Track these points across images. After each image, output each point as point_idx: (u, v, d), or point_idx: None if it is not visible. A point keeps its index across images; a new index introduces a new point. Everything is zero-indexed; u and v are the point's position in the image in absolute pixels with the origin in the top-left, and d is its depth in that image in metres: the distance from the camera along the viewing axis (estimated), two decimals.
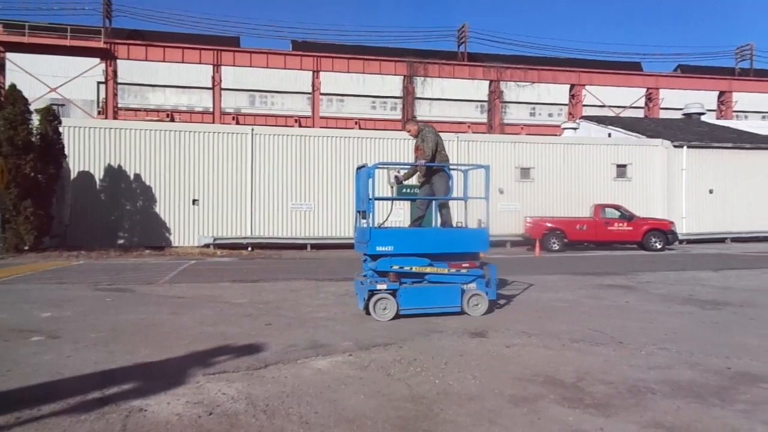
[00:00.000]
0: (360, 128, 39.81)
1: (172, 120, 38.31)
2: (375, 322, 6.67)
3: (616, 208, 21.68)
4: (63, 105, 35.75)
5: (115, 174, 20.16)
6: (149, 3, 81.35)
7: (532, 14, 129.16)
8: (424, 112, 44.99)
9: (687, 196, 24.61)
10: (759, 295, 9.01)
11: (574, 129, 30.20)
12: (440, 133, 7.96)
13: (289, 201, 21.54)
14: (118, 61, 37.30)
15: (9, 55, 35.52)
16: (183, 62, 38.67)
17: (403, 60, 40.93)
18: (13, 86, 18.00)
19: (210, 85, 39.58)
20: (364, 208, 7.11)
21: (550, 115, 50.11)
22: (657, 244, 20.73)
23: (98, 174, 20.09)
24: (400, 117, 43.50)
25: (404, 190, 17.22)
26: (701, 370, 4.68)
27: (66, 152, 19.20)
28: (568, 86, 44.10)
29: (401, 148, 22.27)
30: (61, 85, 36.26)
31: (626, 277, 11.52)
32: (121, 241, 19.88)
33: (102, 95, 40.50)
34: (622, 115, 41.65)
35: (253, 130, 22.15)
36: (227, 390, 4.12)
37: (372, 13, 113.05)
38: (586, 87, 43.39)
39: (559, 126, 34.46)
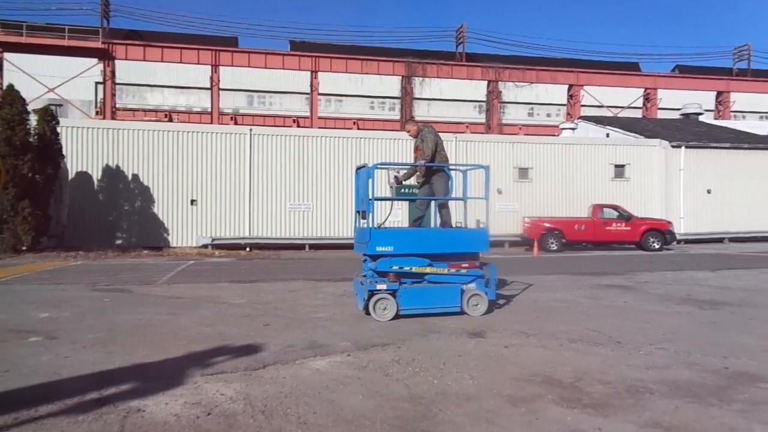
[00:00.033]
0: (358, 128, 39.81)
1: (170, 120, 38.25)
2: (373, 322, 6.67)
3: (615, 208, 21.71)
4: (61, 105, 35.72)
5: (113, 174, 20.13)
6: (147, 3, 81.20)
7: (531, 14, 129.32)
8: (422, 112, 45.02)
9: (685, 196, 24.65)
10: (757, 295, 9.03)
11: (573, 129, 30.23)
12: (439, 134, 7.97)
13: (287, 201, 21.53)
14: (116, 61, 37.27)
15: (7, 55, 35.47)
16: (181, 62, 38.65)
17: (401, 60, 40.96)
18: (10, 86, 17.96)
19: (208, 86, 39.56)
20: (363, 209, 7.11)
21: (548, 115, 50.15)
22: (655, 244, 20.75)
23: (96, 174, 20.06)
24: (398, 117, 43.53)
25: (403, 191, 17.22)
26: (699, 369, 4.68)
27: (64, 152, 19.17)
28: (567, 86, 44.17)
29: (400, 148, 22.28)
30: (58, 86, 36.21)
31: (624, 277, 11.54)
32: (119, 242, 19.85)
33: (100, 95, 40.45)
34: (620, 115, 41.71)
35: (251, 130, 22.14)
36: (225, 390, 4.12)
37: (370, 14, 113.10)
38: (585, 87, 43.46)
39: (557, 126, 34.50)
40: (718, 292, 9.38)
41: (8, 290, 9.73)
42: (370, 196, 6.89)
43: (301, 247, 21.00)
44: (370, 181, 6.89)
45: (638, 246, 20.95)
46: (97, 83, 40.39)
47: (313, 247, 21.02)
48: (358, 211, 7.44)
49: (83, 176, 19.89)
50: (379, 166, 7.42)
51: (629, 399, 3.94)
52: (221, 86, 39.02)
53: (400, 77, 41.97)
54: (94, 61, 36.84)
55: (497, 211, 21.85)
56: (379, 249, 6.80)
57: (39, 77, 35.50)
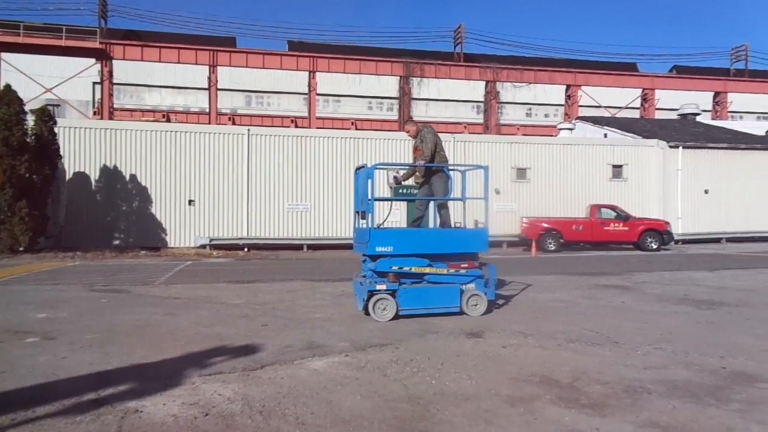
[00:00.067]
0: (356, 129, 39.83)
1: (168, 120, 38.17)
2: (371, 322, 6.66)
3: (612, 208, 21.74)
4: (58, 105, 35.67)
5: (110, 174, 20.10)
6: (145, 3, 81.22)
7: (529, 15, 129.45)
8: (420, 112, 45.05)
9: (682, 197, 24.70)
10: (754, 295, 9.04)
11: (570, 129, 30.28)
12: (438, 134, 7.97)
13: (285, 201, 21.51)
14: (114, 61, 37.21)
15: (4, 55, 35.37)
16: (179, 62, 38.59)
17: (399, 60, 40.96)
18: (8, 86, 17.91)
19: (206, 86, 39.51)
20: (363, 209, 7.10)
21: (546, 115, 50.22)
22: (653, 245, 20.79)
23: (94, 174, 20.03)
24: (396, 118, 43.54)
25: (401, 191, 17.24)
26: (697, 369, 4.69)
27: (61, 153, 19.13)
28: (564, 87, 44.22)
29: (398, 148, 22.29)
30: (56, 86, 36.13)
31: (622, 278, 11.55)
32: (116, 242, 19.82)
33: (97, 96, 40.38)
34: (617, 115, 41.77)
35: (249, 130, 22.12)
36: (223, 391, 4.11)
37: (368, 14, 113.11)
38: (582, 88, 43.52)
39: (555, 126, 34.57)
40: (716, 292, 9.40)
41: (6, 291, 9.71)
42: (370, 197, 6.88)
43: (299, 247, 21.00)
44: (370, 181, 6.89)
45: (636, 246, 20.99)
46: (94, 83, 40.33)
47: (311, 247, 21.01)
48: (357, 212, 7.43)
49: (81, 176, 19.86)
50: (378, 167, 7.42)
51: (627, 399, 3.95)
52: (219, 86, 38.97)
53: (398, 77, 41.97)
54: (92, 61, 36.77)
55: (495, 211, 21.85)
56: (379, 249, 6.80)
57: (36, 77, 35.42)
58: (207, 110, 39.63)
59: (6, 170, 16.58)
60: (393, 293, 6.83)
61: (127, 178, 20.23)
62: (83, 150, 20.00)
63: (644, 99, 45.10)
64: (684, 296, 8.91)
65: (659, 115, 42.67)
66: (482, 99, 44.51)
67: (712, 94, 46.26)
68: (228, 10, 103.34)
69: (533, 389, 4.17)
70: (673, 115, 38.76)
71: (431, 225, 8.64)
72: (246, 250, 20.35)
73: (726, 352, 5.27)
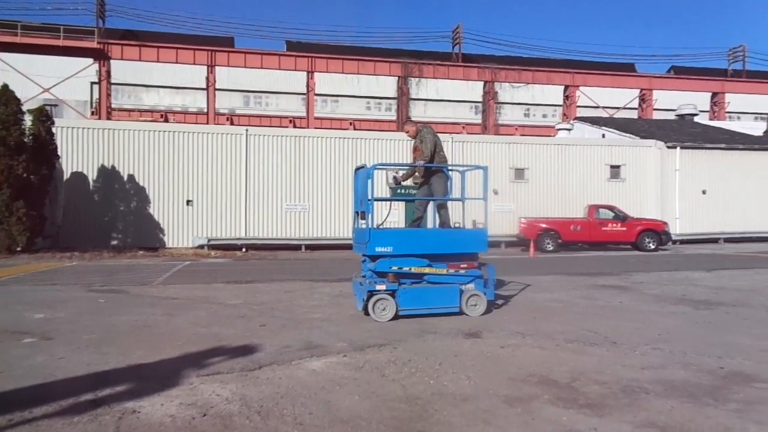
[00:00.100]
0: (354, 129, 39.81)
1: (166, 120, 38.18)
2: (369, 323, 6.66)
3: (610, 208, 21.76)
4: (56, 105, 35.59)
5: (108, 175, 20.07)
6: (143, 3, 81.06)
7: (527, 15, 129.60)
8: (418, 113, 45.05)
9: (680, 197, 24.73)
10: (752, 295, 9.06)
11: (568, 130, 30.34)
12: (437, 134, 7.97)
13: (283, 202, 21.50)
14: (112, 61, 37.17)
15: (1, 55, 35.31)
16: (177, 62, 38.56)
17: (397, 61, 40.98)
18: (5, 86, 17.87)
19: (204, 86, 39.49)
20: (362, 209, 7.10)
21: (544, 116, 50.25)
22: (650, 245, 20.82)
23: (91, 175, 20.00)
24: (394, 118, 43.55)
25: (399, 191, 17.23)
26: (694, 369, 4.70)
27: (59, 153, 19.10)
28: (562, 87, 44.29)
29: (396, 148, 22.29)
30: (54, 86, 36.10)
31: (620, 278, 11.56)
32: (114, 242, 19.79)
33: (95, 96, 40.33)
34: (615, 116, 41.83)
35: (247, 130, 22.10)
36: (221, 391, 4.11)
37: (366, 14, 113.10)
38: (580, 88, 43.59)
39: (553, 127, 34.62)
40: (714, 292, 9.41)
41: (3, 291, 9.69)
42: (369, 197, 6.88)
43: (297, 247, 20.99)
44: (369, 181, 6.88)
45: (634, 246, 21.01)
46: (92, 83, 40.28)
47: (309, 247, 21.01)
48: (357, 212, 7.43)
49: (78, 177, 19.82)
50: (378, 167, 7.41)
51: (625, 399, 3.95)
52: (217, 86, 38.96)
53: (397, 78, 41.99)
54: (90, 61, 36.73)
55: (493, 211, 21.83)
56: (379, 249, 6.80)
57: (34, 77, 35.38)
58: (205, 110, 39.61)
59: (3, 170, 16.56)
60: (393, 293, 6.82)
61: (125, 178, 20.21)
62: (81, 150, 19.96)
63: (642, 99, 45.17)
64: (682, 296, 8.92)
65: (657, 115, 42.75)
66: (480, 99, 44.55)
67: (710, 94, 46.37)
68: (226, 10, 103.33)
69: (531, 389, 4.17)
70: (671, 116, 38.82)
71: (430, 225, 8.65)
72: (244, 250, 20.34)
73: (723, 352, 5.28)
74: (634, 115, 44.11)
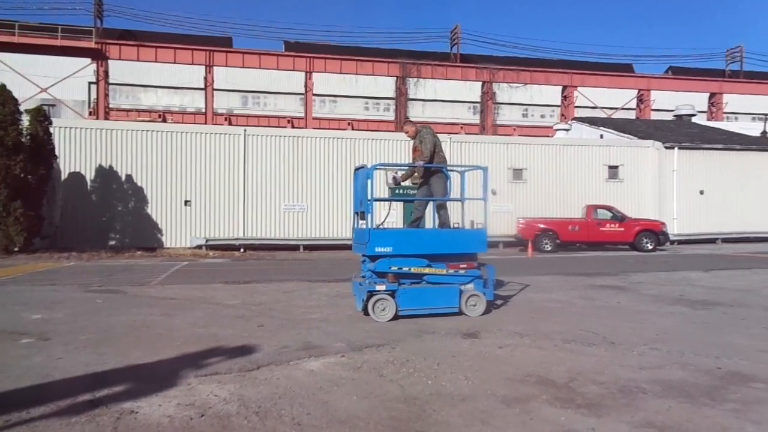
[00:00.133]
0: (353, 129, 39.83)
1: (164, 121, 38.13)
2: (368, 323, 6.66)
3: (608, 209, 21.78)
4: (54, 105, 35.49)
5: (106, 175, 20.05)
6: (141, 3, 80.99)
7: (525, 16, 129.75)
8: (416, 113, 45.08)
9: (678, 197, 24.77)
10: (749, 295, 9.07)
11: (566, 130, 30.36)
12: (437, 134, 7.96)
13: (281, 202, 21.49)
14: (110, 61, 37.12)
15: None
16: (175, 63, 38.54)
17: (395, 61, 40.99)
18: (2, 86, 17.83)
19: (202, 86, 39.46)
20: (362, 209, 7.10)
21: (542, 116, 50.32)
22: (648, 245, 20.85)
23: (89, 175, 19.97)
24: (393, 118, 43.56)
25: (397, 191, 17.24)
26: (692, 369, 4.70)
27: (57, 153, 19.08)
28: (560, 88, 44.33)
29: (394, 149, 22.29)
30: (51, 86, 36.03)
31: (618, 278, 11.58)
32: (112, 243, 19.76)
33: (93, 96, 40.29)
34: (613, 116, 41.91)
35: (245, 130, 22.10)
36: (219, 392, 4.10)
37: (365, 14, 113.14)
38: (578, 88, 43.64)
39: (551, 127, 34.63)
40: (711, 292, 9.43)
41: (1, 291, 9.66)
42: (369, 197, 6.88)
43: (295, 247, 20.98)
44: (369, 181, 6.88)
45: (632, 247, 21.04)
46: (90, 83, 40.24)
47: (307, 247, 21.00)
48: (356, 212, 7.42)
49: (76, 177, 19.79)
50: (378, 167, 7.41)
51: (622, 399, 3.96)
52: (215, 86, 38.94)
53: (395, 78, 42.01)
54: (88, 61, 36.68)
55: (491, 211, 21.83)
56: (378, 250, 6.80)
57: (31, 77, 35.32)
58: (203, 110, 39.58)
59: (1, 170, 16.53)
60: (392, 294, 6.82)
61: (123, 178, 20.18)
62: (79, 150, 19.93)
63: (640, 100, 45.24)
64: (679, 296, 8.93)
65: (655, 116, 42.82)
66: (479, 99, 44.58)
67: (708, 95, 46.47)
68: (224, 10, 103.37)
69: (529, 389, 4.17)
70: (669, 116, 38.89)
71: (428, 225, 8.64)
72: (242, 250, 20.32)
73: (721, 352, 5.28)
74: (632, 115, 44.18)
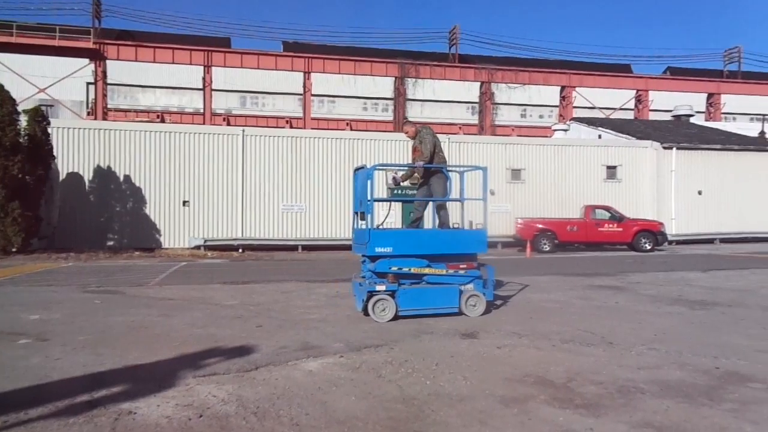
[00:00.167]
0: (351, 129, 39.82)
1: (163, 121, 38.09)
2: (366, 323, 6.66)
3: (606, 209, 21.81)
4: (52, 106, 35.52)
5: (104, 175, 20.02)
6: (139, 3, 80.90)
7: (524, 16, 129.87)
8: (415, 113, 45.09)
9: (676, 197, 24.81)
10: (747, 296, 9.09)
11: (565, 130, 30.39)
12: (437, 135, 7.96)
13: (280, 202, 21.48)
14: (108, 61, 37.09)
15: None
16: (173, 63, 38.52)
17: (394, 61, 41.02)
18: (0, 86, 17.81)
19: (200, 86, 39.44)
20: (362, 210, 7.09)
21: (540, 116, 50.36)
22: (647, 245, 20.87)
23: (87, 175, 19.94)
24: (391, 118, 43.58)
25: (396, 192, 17.25)
26: (690, 370, 4.71)
27: (54, 153, 19.04)
28: (559, 88, 44.40)
29: (393, 149, 22.29)
30: (49, 86, 36.00)
31: (616, 278, 11.59)
32: (110, 243, 19.73)
33: (91, 96, 40.23)
34: (612, 116, 41.97)
35: (244, 131, 22.09)
36: (217, 392, 4.10)
37: (363, 15, 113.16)
38: (577, 89, 43.70)
39: (549, 127, 34.66)
40: (709, 292, 9.44)
41: None
42: (369, 197, 6.87)
43: (293, 248, 20.97)
44: (369, 182, 6.88)
45: (630, 247, 21.06)
46: (88, 84, 40.18)
47: (305, 248, 20.99)
48: (356, 212, 7.42)
49: (74, 177, 19.76)
50: (378, 168, 7.41)
51: (621, 399, 3.96)
52: (214, 87, 38.93)
53: (393, 78, 42.03)
54: (86, 61, 36.64)
55: (490, 212, 21.79)
56: (378, 250, 6.79)
57: (30, 77, 35.28)
58: (201, 111, 39.56)
59: None
60: (392, 294, 6.82)
61: (121, 178, 20.15)
62: (77, 150, 19.90)
63: (638, 100, 45.32)
64: (677, 297, 8.94)
65: (653, 116, 42.89)
66: (477, 100, 44.62)
67: (706, 95, 46.56)
68: (223, 10, 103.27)
69: (527, 390, 4.17)
70: (667, 117, 38.96)
71: (428, 226, 8.64)
72: (241, 250, 20.30)
73: (719, 352, 5.29)
74: (630, 115, 44.24)
